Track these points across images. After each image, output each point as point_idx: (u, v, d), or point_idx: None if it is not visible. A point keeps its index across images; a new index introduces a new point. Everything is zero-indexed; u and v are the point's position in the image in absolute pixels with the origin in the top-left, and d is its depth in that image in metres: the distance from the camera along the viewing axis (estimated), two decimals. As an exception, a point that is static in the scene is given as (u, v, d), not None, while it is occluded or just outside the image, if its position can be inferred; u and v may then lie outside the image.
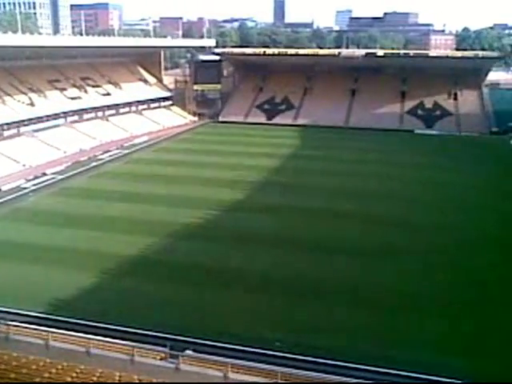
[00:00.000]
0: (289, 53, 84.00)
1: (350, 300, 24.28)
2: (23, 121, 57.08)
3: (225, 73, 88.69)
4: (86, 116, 66.86)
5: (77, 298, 24.24)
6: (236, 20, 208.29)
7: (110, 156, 55.35)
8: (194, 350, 19.07)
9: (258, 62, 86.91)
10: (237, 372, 16.97)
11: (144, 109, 77.10)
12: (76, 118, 65.30)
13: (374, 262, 28.36)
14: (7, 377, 14.25)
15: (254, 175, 46.96)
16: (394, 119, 75.22)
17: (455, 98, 78.07)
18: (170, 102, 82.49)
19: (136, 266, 27.95)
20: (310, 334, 21.55)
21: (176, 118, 79.06)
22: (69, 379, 14.85)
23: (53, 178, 45.97)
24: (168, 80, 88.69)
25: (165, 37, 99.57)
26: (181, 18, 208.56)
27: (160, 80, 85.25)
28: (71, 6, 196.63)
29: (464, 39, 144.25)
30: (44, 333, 18.50)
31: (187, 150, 58.15)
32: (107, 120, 69.70)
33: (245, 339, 20.61)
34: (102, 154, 55.72)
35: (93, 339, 18.18)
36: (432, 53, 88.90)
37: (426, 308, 23.57)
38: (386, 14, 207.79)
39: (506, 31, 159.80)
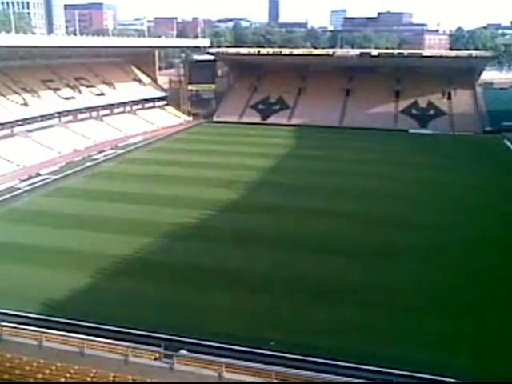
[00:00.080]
0: (283, 53, 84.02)
1: (351, 300, 24.24)
2: (17, 121, 56.83)
3: (219, 73, 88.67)
4: (80, 116, 66.64)
5: (71, 298, 24.16)
6: (230, 20, 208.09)
7: (105, 156, 55.20)
8: (189, 350, 19.04)
9: (253, 62, 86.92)
10: (231, 372, 16.97)
11: (138, 109, 76.95)
12: (70, 118, 65.09)
13: (374, 262, 28.34)
14: (0, 378, 14.20)
15: (251, 175, 46.90)
16: (388, 119, 75.41)
17: (449, 98, 78.36)
18: (165, 102, 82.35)
19: (132, 267, 27.85)
20: (310, 334, 21.51)
21: (170, 118, 78.96)
22: (62, 380, 14.81)
23: (47, 179, 45.80)
24: (162, 80, 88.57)
25: (159, 37, 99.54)
26: (175, 18, 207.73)
27: (154, 80, 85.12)
28: (65, 5, 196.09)
29: (458, 39, 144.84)
30: (37, 333, 18.43)
31: (182, 150, 58.07)
32: (101, 120, 69.53)
33: (244, 339, 20.55)
34: (96, 154, 55.57)
35: (86, 339, 18.13)
36: (426, 52, 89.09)
37: (426, 308, 23.55)
38: (380, 13, 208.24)
39: (500, 31, 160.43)
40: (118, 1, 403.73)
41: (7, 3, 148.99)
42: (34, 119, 59.11)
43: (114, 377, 15.54)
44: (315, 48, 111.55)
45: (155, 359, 17.67)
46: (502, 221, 35.11)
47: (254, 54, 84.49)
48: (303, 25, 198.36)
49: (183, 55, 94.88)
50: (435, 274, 26.88)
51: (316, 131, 70.67)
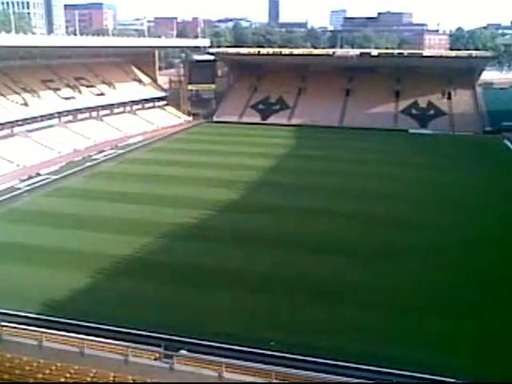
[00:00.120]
0: (283, 53, 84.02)
1: (351, 300, 24.22)
2: (17, 121, 56.83)
3: (219, 73, 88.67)
4: (80, 116, 66.64)
5: (71, 298, 24.16)
6: (230, 20, 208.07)
7: (105, 156, 55.21)
8: (189, 350, 19.04)
9: (253, 62, 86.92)
10: (231, 372, 16.97)
11: (138, 109, 76.96)
12: (70, 118, 65.09)
13: (374, 262, 28.32)
14: (0, 378, 14.20)
15: (251, 175, 46.88)
16: (388, 119, 75.41)
17: (449, 98, 78.36)
18: (165, 102, 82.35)
19: (132, 267, 27.84)
20: (310, 334, 21.50)
21: (170, 118, 78.96)
22: (62, 380, 14.81)
23: (47, 179, 45.80)
24: (162, 80, 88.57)
25: (159, 37, 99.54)
26: (175, 18, 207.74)
27: (154, 80, 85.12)
28: (65, 5, 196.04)
29: (458, 39, 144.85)
30: (37, 333, 18.43)
31: (182, 150, 58.07)
32: (101, 120, 69.54)
33: (244, 339, 20.55)
34: (96, 154, 55.57)
35: (87, 339, 18.13)
36: (426, 52, 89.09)
37: (426, 308, 23.53)
38: (380, 13, 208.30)
39: (500, 31, 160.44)
40: (117, 1, 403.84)
41: (7, 3, 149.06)
42: (33, 119, 59.11)
43: (114, 377, 15.54)
44: (315, 48, 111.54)
45: (155, 359, 17.68)
46: (502, 221, 35.09)
47: (253, 54, 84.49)
48: (303, 25, 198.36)
49: (183, 55, 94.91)
50: (435, 274, 26.87)
51: (316, 131, 70.66)
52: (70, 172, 48.12)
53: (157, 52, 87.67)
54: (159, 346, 18.12)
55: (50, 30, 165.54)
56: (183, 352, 18.68)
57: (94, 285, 25.65)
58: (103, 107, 70.72)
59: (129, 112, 75.04)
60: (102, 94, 72.55)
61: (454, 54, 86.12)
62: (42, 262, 28.11)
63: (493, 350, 20.40)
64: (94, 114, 69.08)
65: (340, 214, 36.37)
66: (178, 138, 67.50)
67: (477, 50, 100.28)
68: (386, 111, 76.91)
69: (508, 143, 63.51)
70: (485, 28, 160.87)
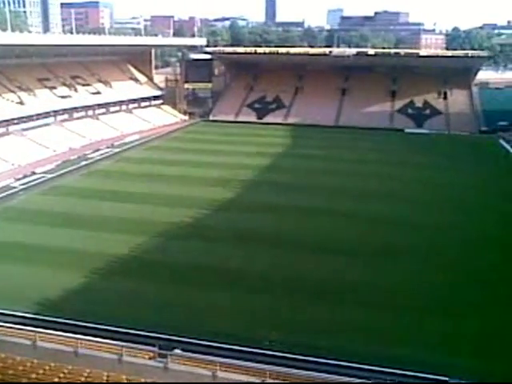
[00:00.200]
0: (280, 52, 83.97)
1: (351, 300, 24.21)
2: (12, 119, 56.60)
3: (216, 72, 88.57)
4: (75, 115, 66.48)
5: (65, 297, 24.10)
6: (227, 19, 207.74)
7: (101, 155, 55.10)
8: (183, 350, 19.01)
9: (249, 61, 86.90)
10: (226, 371, 16.95)
11: (134, 107, 76.84)
12: (66, 116, 64.93)
13: (374, 262, 28.29)
14: (-6, 378, 14.18)
15: (247, 174, 46.88)
16: (384, 118, 75.50)
17: (445, 97, 78.52)
18: (161, 101, 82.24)
19: (129, 266, 27.76)
20: (310, 334, 21.47)
21: (167, 117, 78.85)
22: (56, 380, 14.78)
23: (43, 177, 45.68)
24: (159, 79, 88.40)
25: (156, 35, 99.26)
26: (172, 17, 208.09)
27: (151, 79, 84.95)
28: (61, 4, 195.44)
29: (454, 39, 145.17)
30: (31, 333, 18.35)
31: (178, 149, 58.00)
32: (97, 119, 69.39)
33: (244, 339, 20.52)
34: (92, 153, 55.47)
35: (81, 339, 18.04)
36: (422, 52, 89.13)
37: (426, 308, 23.54)
38: (376, 13, 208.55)
39: (496, 31, 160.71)
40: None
41: (3, 1, 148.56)
42: (29, 118, 58.92)
43: (108, 376, 15.51)
44: (312, 47, 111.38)
45: (150, 358, 17.61)
46: (501, 221, 35.10)
47: (250, 53, 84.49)
48: (300, 24, 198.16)
49: (180, 54, 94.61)
50: (435, 273, 26.85)
51: (312, 130, 70.67)
52: (65, 170, 48.01)
53: (153, 51, 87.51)
54: (154, 345, 18.08)
55: (46, 29, 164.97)
56: (178, 351, 18.64)
57: (89, 284, 25.58)
58: (99, 106, 70.55)
59: (125, 111, 74.89)
60: (98, 93, 72.38)
61: (450, 53, 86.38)
62: (37, 260, 28.02)
63: (493, 350, 20.38)
64: (90, 112, 68.93)
65: (340, 213, 36.32)
66: (174, 136, 67.44)
67: (473, 49, 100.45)
68: (382, 110, 77.01)
69: (504, 143, 63.68)
70: (481, 28, 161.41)
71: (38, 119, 60.10)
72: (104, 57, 79.50)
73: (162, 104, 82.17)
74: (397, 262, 28.43)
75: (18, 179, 44.58)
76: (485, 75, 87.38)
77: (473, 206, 38.38)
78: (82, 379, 15.08)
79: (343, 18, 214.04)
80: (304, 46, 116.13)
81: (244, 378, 16.67)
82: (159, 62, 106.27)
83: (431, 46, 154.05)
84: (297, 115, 78.13)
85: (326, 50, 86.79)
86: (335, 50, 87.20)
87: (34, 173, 46.69)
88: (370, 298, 24.27)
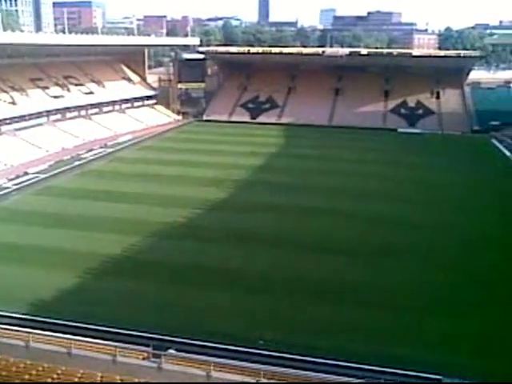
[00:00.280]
0: (273, 51, 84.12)
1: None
2: (5, 119, 56.31)
3: (209, 71, 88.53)
4: (68, 115, 66.22)
5: (59, 298, 23.99)
6: (220, 19, 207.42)
7: (94, 155, 54.91)
8: (177, 350, 18.99)
9: (243, 61, 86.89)
10: (220, 371, 16.94)
11: (128, 107, 76.64)
12: (59, 116, 64.66)
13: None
14: (-14, 379, 14.11)
15: (240, 174, 46.87)
16: (377, 118, 75.75)
17: (438, 97, 78.90)
18: (154, 101, 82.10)
19: (123, 266, 27.62)
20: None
21: (160, 117, 78.71)
22: (49, 380, 14.73)
23: (35, 177, 45.45)
24: (152, 79, 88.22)
25: (149, 35, 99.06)
26: (165, 17, 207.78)
27: (144, 79, 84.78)
28: (54, 3, 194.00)
29: (446, 39, 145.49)
30: (24, 334, 18.27)
31: (172, 149, 57.89)
32: (90, 119, 69.16)
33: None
34: (85, 153, 55.26)
35: (74, 340, 17.99)
36: (415, 52, 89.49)
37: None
38: (369, 13, 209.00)
39: (488, 31, 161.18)
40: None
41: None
42: (22, 118, 58.63)
43: (102, 377, 15.47)
44: (305, 47, 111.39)
45: (143, 359, 17.59)
46: (501, 221, 35.17)
47: (243, 53, 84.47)
48: (293, 24, 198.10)
49: (173, 54, 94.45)
50: (435, 273, 26.85)
51: (306, 130, 70.78)
52: (59, 171, 47.79)
53: (146, 50, 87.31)
54: (148, 345, 18.05)
55: (39, 28, 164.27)
56: (171, 351, 18.62)
57: (82, 284, 25.45)
58: (92, 106, 70.32)
59: (118, 111, 74.68)
60: (91, 93, 72.15)
61: (442, 53, 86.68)
62: (30, 261, 27.85)
63: (493, 350, 20.40)
64: (82, 112, 68.69)
65: (339, 213, 36.29)
66: (167, 136, 67.31)
67: (465, 49, 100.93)
68: (375, 110, 77.24)
69: (496, 142, 64.10)
70: (473, 28, 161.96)
71: (30, 119, 59.81)
72: (97, 57, 79.25)
73: (156, 104, 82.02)
74: (397, 262, 28.42)
75: (11, 179, 44.34)
76: (477, 75, 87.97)
77: (472, 206, 38.44)
78: (76, 380, 15.04)
79: (336, 18, 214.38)
80: (297, 46, 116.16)
81: (238, 378, 16.67)
82: (152, 62, 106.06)
83: (424, 46, 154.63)
84: (290, 115, 78.21)
85: (319, 50, 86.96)
86: (328, 50, 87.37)
87: (26, 173, 46.44)
88: (370, 298, 24.26)
